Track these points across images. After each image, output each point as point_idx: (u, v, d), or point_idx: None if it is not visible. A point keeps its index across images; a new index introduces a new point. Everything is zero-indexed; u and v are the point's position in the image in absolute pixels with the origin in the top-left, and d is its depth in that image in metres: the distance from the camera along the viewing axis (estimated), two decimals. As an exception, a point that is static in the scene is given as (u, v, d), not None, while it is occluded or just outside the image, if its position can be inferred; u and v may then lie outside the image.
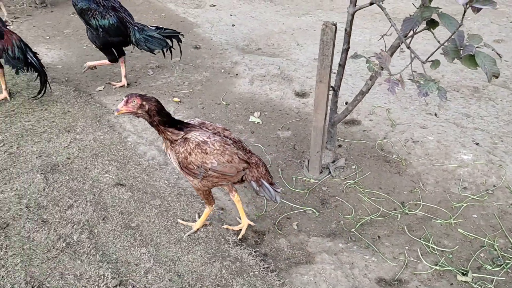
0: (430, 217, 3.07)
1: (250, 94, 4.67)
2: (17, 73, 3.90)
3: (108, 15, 4.24)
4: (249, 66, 5.17)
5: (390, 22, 2.46)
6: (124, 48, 4.59)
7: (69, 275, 2.51)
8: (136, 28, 4.38)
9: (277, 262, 2.72)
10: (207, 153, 2.42)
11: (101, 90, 4.64)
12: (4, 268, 2.54)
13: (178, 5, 7.29)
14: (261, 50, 5.83)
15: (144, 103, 2.32)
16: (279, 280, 2.54)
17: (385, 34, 2.74)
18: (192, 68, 5.21)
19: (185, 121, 2.57)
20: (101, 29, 4.28)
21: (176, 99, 4.52)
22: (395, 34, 2.80)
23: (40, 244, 2.71)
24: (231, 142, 2.54)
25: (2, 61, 3.88)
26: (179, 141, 2.45)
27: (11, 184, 3.19)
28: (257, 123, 4.17)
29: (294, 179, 3.45)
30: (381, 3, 2.62)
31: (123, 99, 2.31)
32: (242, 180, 2.63)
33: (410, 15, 2.39)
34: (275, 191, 2.64)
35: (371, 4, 2.75)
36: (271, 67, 5.10)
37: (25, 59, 3.82)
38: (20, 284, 2.44)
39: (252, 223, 2.91)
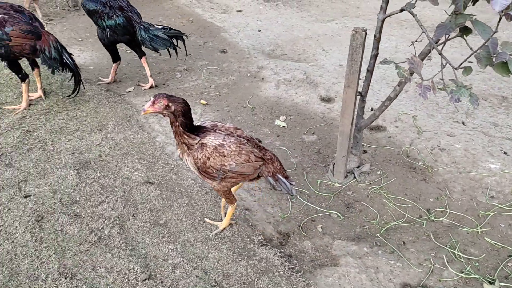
0: (457, 225, 3.05)
1: (275, 98, 4.72)
2: (53, 72, 4.05)
3: (114, 16, 4.38)
4: (275, 71, 5.23)
5: (422, 28, 2.48)
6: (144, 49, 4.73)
7: (100, 268, 2.60)
8: (142, 27, 4.49)
9: (301, 263, 2.75)
10: (225, 156, 2.47)
11: (130, 91, 4.77)
12: (38, 259, 2.65)
13: (205, 10, 7.42)
14: (286, 55, 5.89)
15: (170, 104, 2.36)
16: (304, 281, 2.57)
17: (416, 41, 2.75)
18: (219, 72, 5.30)
19: (198, 123, 2.61)
20: (108, 29, 4.43)
21: (203, 102, 4.60)
22: (424, 41, 2.82)
23: (73, 237, 2.81)
24: (245, 141, 2.58)
25: (39, 61, 4.04)
26: (196, 146, 2.49)
27: (45, 179, 3.32)
28: (283, 126, 4.22)
29: (318, 182, 3.47)
30: (412, 9, 2.64)
31: (150, 99, 2.38)
32: (258, 177, 2.68)
33: (442, 22, 2.40)
34: (291, 184, 2.68)
35: (401, 10, 2.77)
36: (296, 72, 5.14)
37: (61, 60, 3.97)
38: (54, 274, 2.55)
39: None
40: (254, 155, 2.56)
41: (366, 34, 2.89)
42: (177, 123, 2.43)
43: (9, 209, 3.01)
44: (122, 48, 5.84)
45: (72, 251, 2.71)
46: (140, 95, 4.69)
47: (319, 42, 6.31)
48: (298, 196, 3.31)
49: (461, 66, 2.18)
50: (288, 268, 2.65)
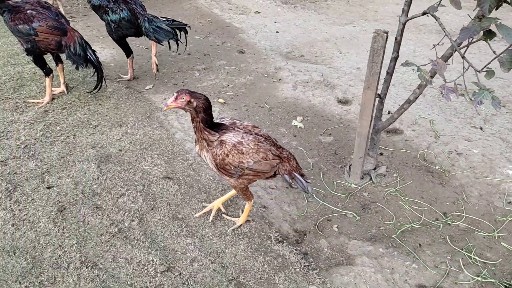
0: (473, 229, 3.05)
1: (293, 99, 4.76)
2: (77, 68, 4.15)
3: (118, 10, 4.46)
4: (292, 72, 5.27)
5: (444, 31, 2.50)
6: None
7: (120, 258, 2.67)
8: (146, 18, 4.56)
9: (317, 261, 2.78)
10: (243, 153, 2.51)
11: (150, 88, 4.85)
12: (61, 248, 2.72)
13: (224, 11, 7.49)
14: (304, 57, 5.92)
15: (192, 100, 2.40)
16: (319, 279, 2.60)
17: (438, 44, 2.77)
18: (237, 72, 5.35)
19: (217, 121, 2.66)
20: (113, 24, 4.51)
21: (221, 100, 4.66)
22: (444, 45, 2.84)
23: (94, 228, 2.88)
24: (263, 139, 2.62)
25: (64, 56, 4.13)
26: (215, 143, 2.53)
27: (67, 171, 3.40)
28: (300, 127, 4.25)
29: (335, 183, 3.50)
30: (434, 13, 2.67)
31: (173, 95, 2.44)
32: (274, 175, 2.72)
33: (464, 26, 2.42)
34: (307, 182, 2.73)
35: (424, 14, 2.79)
36: (314, 74, 5.18)
37: (85, 56, 4.06)
38: (76, 263, 2.62)
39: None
40: (272, 153, 2.60)
41: (387, 36, 2.92)
42: (198, 119, 2.47)
43: (33, 199, 3.10)
44: (142, 46, 5.95)
45: (93, 242, 2.78)
46: (159, 92, 4.76)
47: (336, 45, 6.33)
48: (314, 196, 3.34)
49: (483, 69, 2.20)
50: (304, 266, 2.69)
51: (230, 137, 2.53)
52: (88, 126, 4.01)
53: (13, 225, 2.86)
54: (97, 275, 2.54)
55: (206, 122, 2.50)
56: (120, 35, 4.65)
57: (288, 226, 3.06)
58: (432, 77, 2.71)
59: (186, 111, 2.48)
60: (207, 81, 5.11)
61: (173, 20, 4.68)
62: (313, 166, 3.69)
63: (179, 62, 5.57)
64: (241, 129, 2.63)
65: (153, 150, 3.72)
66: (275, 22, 7.11)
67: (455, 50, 2.65)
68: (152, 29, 4.56)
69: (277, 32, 6.69)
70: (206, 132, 2.52)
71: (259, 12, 7.55)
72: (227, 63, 5.59)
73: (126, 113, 4.26)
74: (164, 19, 4.64)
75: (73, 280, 2.50)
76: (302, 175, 2.74)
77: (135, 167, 3.50)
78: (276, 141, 2.76)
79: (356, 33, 6.75)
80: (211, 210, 3.03)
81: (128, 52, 4.85)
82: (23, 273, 2.53)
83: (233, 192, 3.01)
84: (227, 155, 2.51)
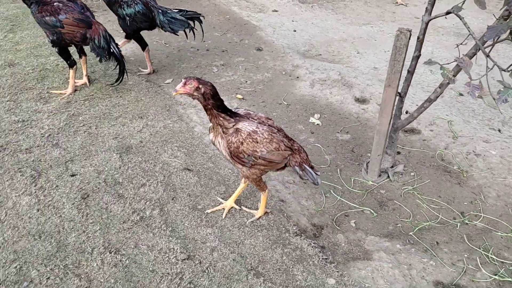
0: (490, 229, 3.06)
1: (310, 96, 4.79)
2: (100, 61, 4.23)
3: (133, 4, 4.54)
4: (310, 70, 5.30)
5: (469, 31, 2.52)
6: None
7: (142, 245, 2.73)
8: (160, 11, 4.64)
9: (335, 255, 2.81)
10: (257, 142, 2.57)
11: (169, 82, 4.92)
12: (85, 233, 2.79)
13: (242, 9, 7.55)
14: (321, 56, 5.95)
15: (200, 86, 2.44)
16: (337, 272, 2.64)
17: (461, 44, 2.79)
18: (255, 69, 5.40)
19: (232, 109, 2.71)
20: (128, 18, 4.59)
21: (239, 96, 4.71)
22: (467, 45, 2.85)
23: (117, 215, 2.95)
24: (276, 130, 2.69)
25: (88, 48, 4.22)
26: (230, 131, 2.59)
27: (90, 160, 3.48)
28: (317, 124, 4.28)
29: (352, 180, 3.53)
30: (459, 13, 2.68)
31: (181, 81, 2.47)
32: (285, 166, 2.77)
33: (488, 26, 2.43)
34: (316, 174, 2.78)
35: (447, 13, 2.81)
36: (331, 73, 5.20)
37: (108, 49, 4.14)
38: (99, 248, 2.68)
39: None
40: (284, 144, 2.67)
41: (410, 35, 2.94)
42: (209, 106, 2.52)
43: (57, 186, 3.18)
44: (161, 41, 6.02)
45: (116, 228, 2.84)
46: (178, 87, 4.83)
47: (354, 44, 6.34)
48: (331, 191, 3.37)
49: (509, 68, 2.21)
50: (322, 259, 2.72)
51: (245, 126, 2.59)
52: (110, 117, 4.09)
53: (38, 210, 2.94)
54: (120, 261, 2.60)
55: (218, 107, 2.55)
56: (134, 29, 4.72)
57: (306, 220, 3.09)
58: (454, 75, 2.73)
59: (193, 98, 2.50)
60: (225, 77, 5.17)
61: (186, 11, 4.78)
62: (330, 163, 3.72)
63: (197, 57, 5.63)
64: (255, 119, 2.70)
65: (173, 143, 3.79)
66: (293, 21, 7.14)
67: (478, 50, 2.66)
68: (167, 21, 4.66)
69: (295, 30, 6.73)
70: (221, 118, 2.57)
71: (276, 11, 7.59)
72: (245, 60, 5.64)
73: (146, 106, 4.33)
74: (177, 10, 4.75)
75: (97, 265, 2.57)
76: (311, 167, 2.79)
77: (156, 158, 3.56)
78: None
79: (373, 34, 6.75)
80: (223, 208, 3.07)
81: (143, 45, 4.93)
82: (49, 256, 2.61)
83: (242, 186, 3.04)
84: (242, 143, 2.56)
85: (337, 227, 3.04)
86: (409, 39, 2.96)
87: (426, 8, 2.98)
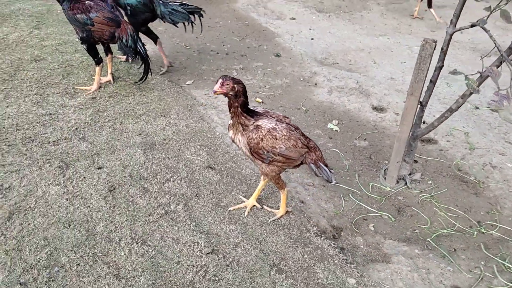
0: (507, 239, 3.11)
1: (328, 103, 4.88)
2: (127, 60, 4.34)
3: None
4: (327, 78, 5.40)
5: (495, 43, 2.60)
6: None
7: (168, 238, 2.81)
8: (161, 2, 4.77)
9: (354, 256, 2.88)
10: (276, 139, 2.68)
11: (190, 84, 5.03)
12: (112, 224, 2.88)
13: (260, 16, 7.67)
14: (338, 64, 6.04)
15: (235, 85, 2.58)
16: (357, 272, 2.70)
17: (486, 56, 2.86)
18: (273, 74, 5.50)
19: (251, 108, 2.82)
20: (129, 7, 4.69)
21: (259, 100, 4.81)
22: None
23: (143, 208, 3.03)
24: (293, 128, 2.81)
25: (116, 47, 4.33)
26: (251, 128, 2.70)
27: (116, 154, 3.58)
28: (335, 130, 4.36)
29: (370, 185, 3.60)
30: (484, 26, 2.76)
31: (218, 81, 2.57)
32: (301, 163, 2.87)
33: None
34: (331, 172, 2.88)
35: (472, 26, 2.89)
36: (349, 81, 5.29)
37: (135, 48, 4.25)
38: (127, 239, 2.77)
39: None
40: (301, 142, 2.78)
41: (436, 45, 3.02)
42: (236, 104, 2.64)
43: (84, 177, 3.27)
44: (182, 43, 6.14)
45: (142, 221, 2.93)
46: (199, 88, 4.93)
47: (370, 54, 6.44)
48: (350, 195, 3.44)
49: (535, 80, 2.29)
50: (342, 259, 2.79)
51: (265, 123, 2.70)
52: (134, 114, 4.19)
53: (67, 200, 3.03)
54: (147, 251, 2.68)
55: (245, 105, 2.67)
56: (139, 21, 4.80)
57: (325, 221, 3.16)
58: (478, 86, 2.81)
59: (226, 96, 2.62)
60: (245, 81, 5.26)
61: (187, 5, 4.93)
62: (348, 168, 3.79)
63: (217, 61, 5.75)
64: (274, 117, 2.81)
65: (195, 141, 3.88)
66: (310, 29, 7.25)
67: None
68: (168, 12, 4.79)
69: (312, 38, 6.83)
70: (243, 117, 2.69)
71: (294, 19, 7.71)
72: (263, 65, 5.74)
73: (169, 105, 4.43)
74: (178, 3, 4.89)
75: (125, 254, 2.65)
76: (326, 165, 2.89)
77: (179, 156, 3.65)
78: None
79: (390, 45, 6.84)
80: (245, 206, 3.15)
81: (153, 37, 5.06)
82: (78, 244, 2.69)
83: (262, 184, 3.12)
84: (262, 139, 2.67)
85: (356, 230, 3.11)
86: (434, 49, 3.04)
87: (451, 20, 3.07)
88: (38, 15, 6.36)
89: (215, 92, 2.56)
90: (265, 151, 2.70)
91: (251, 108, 2.80)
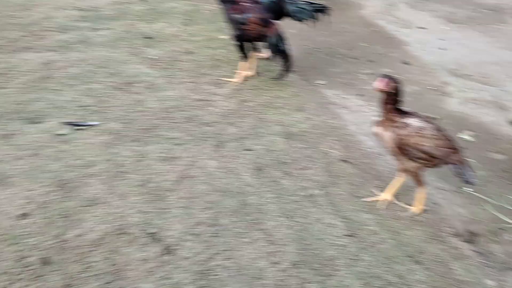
0: None
1: (460, 113, 4.84)
2: (267, 57, 4.79)
3: None
4: (459, 88, 5.33)
5: None
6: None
7: (310, 217, 3.12)
8: (289, 2, 5.17)
9: (492, 261, 2.92)
10: (424, 137, 2.86)
11: (322, 84, 5.33)
12: (262, 198, 3.27)
13: (388, 23, 7.73)
14: (471, 76, 5.88)
15: (396, 85, 2.89)
16: (496, 276, 2.75)
17: None
18: (401, 81, 5.56)
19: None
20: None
21: (389, 104, 4.93)
22: None
23: (287, 189, 3.38)
24: (441, 129, 2.97)
25: (263, 45, 4.81)
26: (399, 124, 2.92)
27: (259, 140, 3.99)
28: (468, 140, 4.33)
29: (507, 197, 3.55)
30: None
31: (381, 79, 2.88)
32: (443, 164, 3.00)
33: None
34: (472, 174, 2.98)
35: None
36: (482, 93, 5.18)
37: (281, 47, 4.68)
38: (275, 212, 3.13)
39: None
40: (447, 142, 2.94)
41: None
42: (391, 101, 2.93)
43: (236, 156, 3.73)
44: (310, 46, 6.48)
45: (287, 199, 3.28)
46: (332, 88, 5.22)
47: (506, 69, 6.15)
48: (486, 205, 3.45)
49: None
50: (480, 261, 2.85)
51: (414, 121, 2.93)
52: (273, 107, 4.60)
53: (223, 173, 3.51)
54: (293, 226, 3.02)
55: (397, 102, 2.93)
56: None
57: (460, 225, 3.23)
58: None
59: (383, 93, 2.92)
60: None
61: (311, 3, 5.28)
62: (484, 179, 3.77)
63: (345, 64, 5.97)
64: (422, 117, 3.01)
65: (330, 136, 4.16)
66: (440, 39, 7.12)
67: None
68: (295, 10, 5.18)
69: (443, 48, 6.72)
70: (395, 114, 2.95)
71: (423, 28, 7.62)
72: (391, 71, 5.80)
73: (304, 101, 4.78)
74: (303, 2, 5.26)
75: (275, 224, 3.02)
76: (468, 168, 3.00)
77: (315, 147, 3.96)
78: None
79: (529, 60, 6.47)
80: (381, 199, 3.34)
81: None
82: (235, 210, 3.12)
83: (398, 180, 3.27)
84: (409, 136, 2.87)
85: (493, 238, 3.13)
86: None
87: None
88: (187, 13, 7.17)
89: (377, 89, 2.81)
90: (411, 148, 2.89)
91: (401, 108, 3.01)
